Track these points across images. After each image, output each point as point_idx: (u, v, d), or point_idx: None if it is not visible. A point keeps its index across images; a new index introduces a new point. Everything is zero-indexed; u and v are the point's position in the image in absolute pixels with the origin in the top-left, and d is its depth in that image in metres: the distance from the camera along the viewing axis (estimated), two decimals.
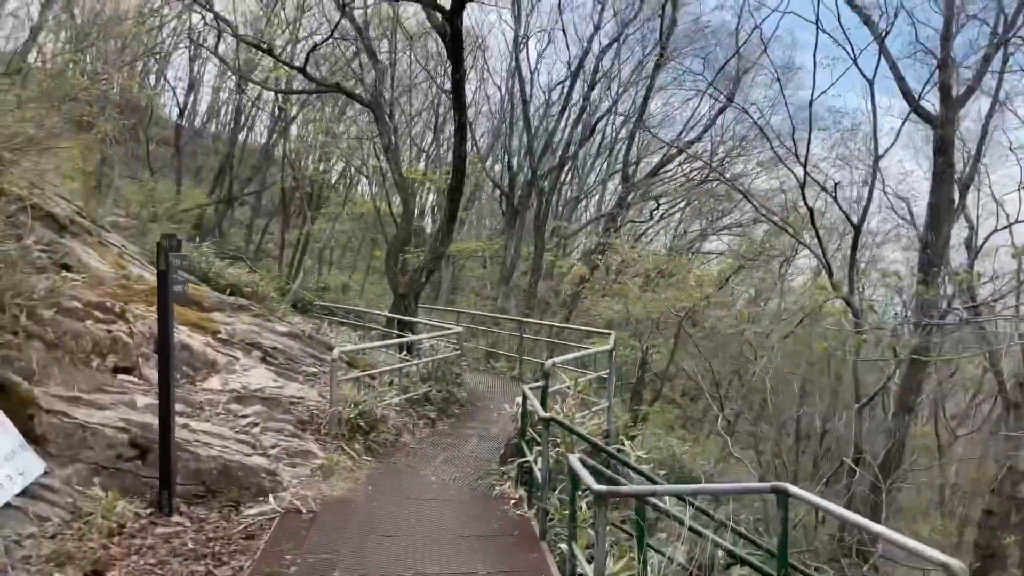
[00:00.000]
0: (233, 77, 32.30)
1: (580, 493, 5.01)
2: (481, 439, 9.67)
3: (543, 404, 7.44)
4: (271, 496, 6.66)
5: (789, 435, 22.29)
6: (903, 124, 17.48)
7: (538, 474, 6.56)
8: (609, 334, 12.38)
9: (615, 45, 22.47)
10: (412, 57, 23.24)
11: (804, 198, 13.35)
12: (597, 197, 34.54)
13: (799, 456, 20.29)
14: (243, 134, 35.60)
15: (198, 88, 40.00)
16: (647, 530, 4.50)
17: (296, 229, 35.11)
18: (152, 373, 8.18)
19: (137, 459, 6.38)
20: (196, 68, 33.85)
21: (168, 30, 33.65)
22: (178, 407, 7.59)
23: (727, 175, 25.95)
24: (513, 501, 7.17)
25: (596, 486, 4.13)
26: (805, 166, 13.35)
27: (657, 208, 24.86)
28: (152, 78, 37.71)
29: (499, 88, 27.45)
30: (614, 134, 28.01)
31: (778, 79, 14.70)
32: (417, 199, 34.86)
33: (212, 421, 7.67)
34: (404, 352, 11.66)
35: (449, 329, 12.18)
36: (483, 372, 15.47)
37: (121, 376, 7.87)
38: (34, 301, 6.76)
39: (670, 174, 25.16)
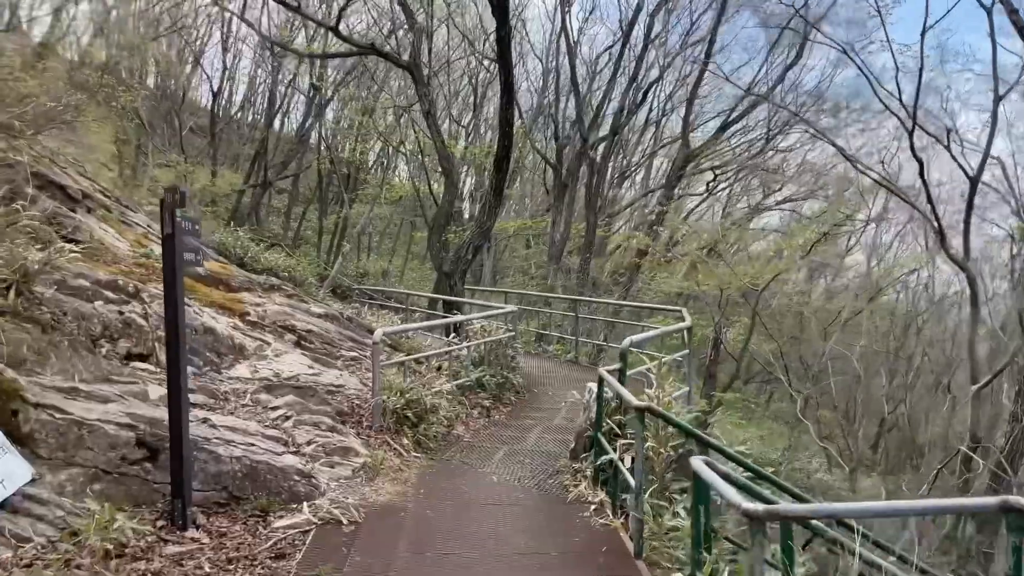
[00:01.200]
0: (267, 62, 31.48)
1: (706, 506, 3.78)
2: (545, 430, 8.49)
3: (622, 385, 6.23)
4: (305, 504, 5.56)
5: (861, 419, 20.74)
6: None
7: (628, 476, 5.36)
8: (677, 311, 11.10)
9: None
10: (451, 24, 22.01)
11: (912, 148, 11.81)
12: (642, 174, 33.07)
13: (880, 443, 18.77)
14: (278, 119, 34.73)
15: (234, 76, 39.42)
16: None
17: (334, 215, 34.34)
18: None
19: (146, 461, 5.32)
20: (230, 57, 33.08)
21: (202, 15, 33.06)
22: (199, 398, 6.56)
23: (780, 145, 24.32)
24: (593, 507, 5.97)
25: (750, 505, 2.92)
26: (915, 110, 11.79)
27: (714, 180, 23.34)
28: (188, 68, 37.25)
29: (540, 60, 26.13)
30: (661, 106, 26.51)
31: (878, 11, 12.93)
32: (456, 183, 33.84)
33: (237, 414, 6.60)
34: (452, 335, 10.53)
35: (500, 309, 11.03)
36: (535, 356, 14.29)
37: (135, 364, 6.85)
38: (26, 277, 5.73)
39: (734, 139, 23.46)
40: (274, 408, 6.80)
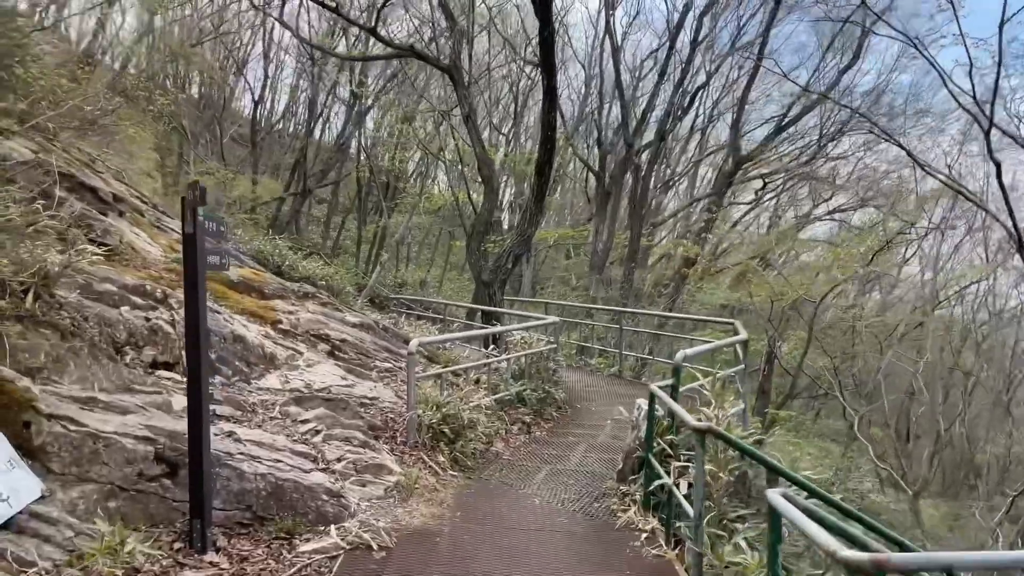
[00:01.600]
0: (308, 71, 31.58)
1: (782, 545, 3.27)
2: (589, 448, 7.99)
3: (675, 402, 5.73)
4: (333, 527, 5.15)
5: (916, 437, 19.78)
6: None
7: (684, 503, 4.85)
8: (729, 323, 10.53)
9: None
10: (492, 29, 21.71)
11: (989, 149, 11.01)
12: (685, 184, 32.35)
13: (934, 462, 17.84)
14: (318, 128, 34.82)
15: (276, 86, 39.74)
16: None
17: (373, 224, 34.28)
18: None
19: (164, 477, 4.97)
20: (272, 67, 33.28)
21: (245, 23, 33.36)
22: (225, 410, 6.21)
23: (832, 152, 23.42)
24: (645, 535, 5.47)
25: (850, 553, 2.43)
26: (992, 108, 11.01)
27: (763, 187, 22.57)
28: (231, 77, 37.67)
29: (583, 66, 25.67)
30: (707, 112, 25.84)
31: (950, 2, 12.02)
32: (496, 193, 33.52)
33: (265, 427, 6.24)
34: (491, 346, 10.10)
35: (541, 319, 10.57)
36: (577, 369, 13.79)
37: (160, 373, 6.54)
38: (46, 280, 5.44)
39: (782, 146, 22.61)
40: (304, 421, 6.43)
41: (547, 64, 12.15)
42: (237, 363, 7.23)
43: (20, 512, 4.16)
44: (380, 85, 31.45)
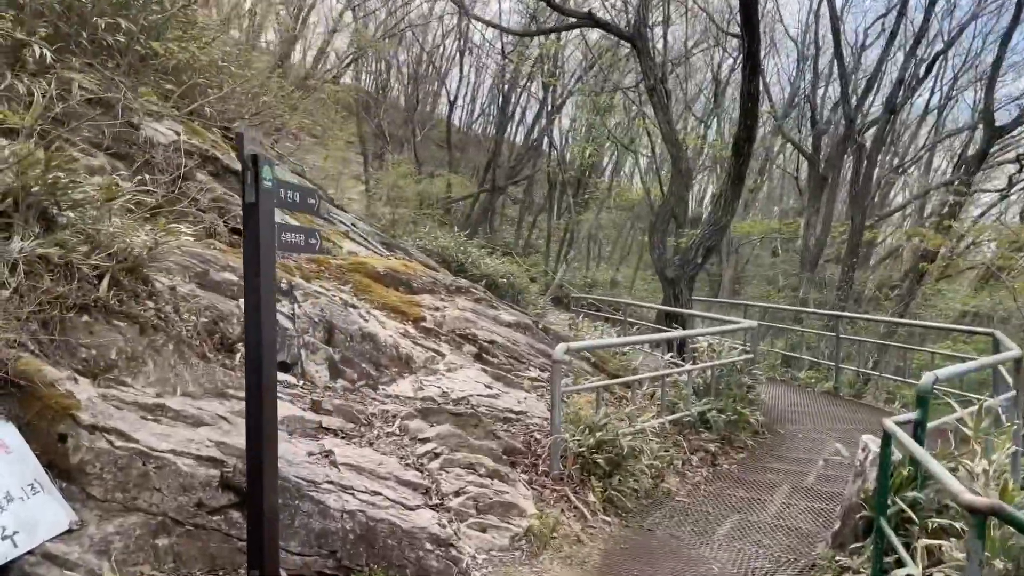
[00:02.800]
0: (501, 69, 31.25)
1: None
2: (793, 493, 6.16)
3: (920, 445, 3.90)
4: None
5: None
6: None
7: None
8: (987, 333, 8.15)
9: None
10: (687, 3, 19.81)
11: None
12: (916, 173, 28.20)
13: None
14: (511, 127, 34.46)
15: (475, 90, 40.15)
16: None
17: (563, 221, 33.40)
18: (320, 371, 5.91)
19: (232, 509, 3.99)
20: (466, 67, 33.41)
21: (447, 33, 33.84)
22: (333, 422, 5.19)
23: None
24: None
25: None
26: None
27: (1020, 170, 18.65)
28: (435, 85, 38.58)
29: (795, 43, 22.89)
30: (946, 88, 22.11)
31: None
32: (691, 189, 31.23)
33: (377, 446, 5.15)
34: (671, 354, 8.48)
35: (735, 324, 8.77)
36: (780, 383, 11.72)
37: None
38: (130, 263, 4.68)
39: None
40: (423, 440, 5.27)
41: (749, 24, 10.29)
42: (364, 365, 6.25)
43: (30, 551, 3.30)
44: (571, 83, 30.52)
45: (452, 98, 32.53)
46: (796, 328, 13.72)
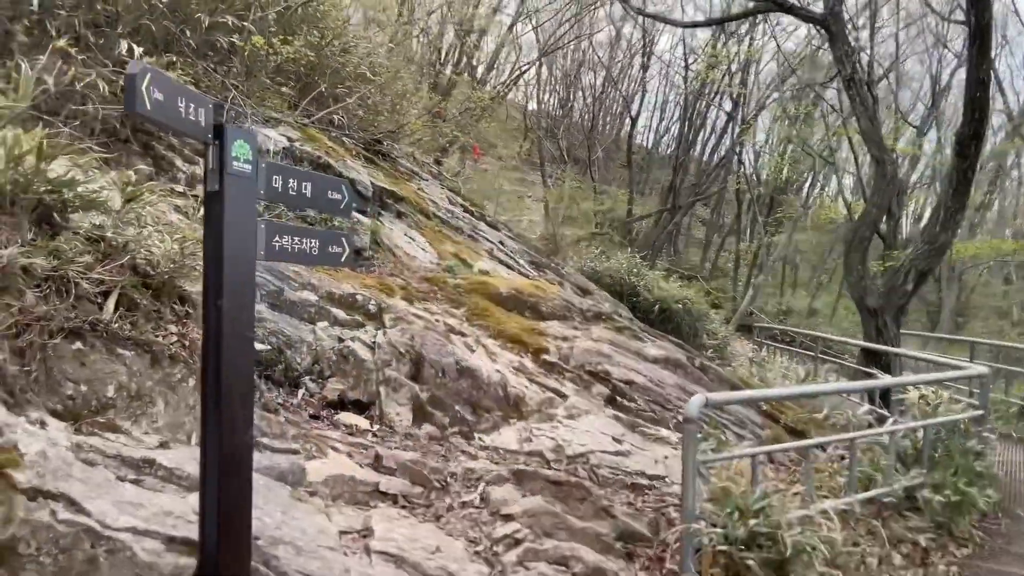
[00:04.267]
0: (687, 80, 29.48)
1: None
2: None
3: None
4: None
5: None
6: None
7: None
8: None
9: None
10: None
11: None
12: None
13: None
14: (697, 143, 32.45)
15: (663, 110, 38.66)
16: None
17: (753, 243, 30.85)
18: (401, 414, 4.86)
19: None
20: (650, 84, 31.96)
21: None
22: (394, 485, 4.09)
23: None
24: None
25: None
26: None
27: None
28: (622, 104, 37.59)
29: None
30: None
31: None
32: (906, 203, 27.50)
33: (446, 521, 3.95)
34: (867, 407, 6.58)
35: (958, 368, 6.70)
36: (1018, 444, 9.18)
37: (342, 416, 4.69)
38: (156, 276, 3.87)
39: None
40: (506, 517, 3.99)
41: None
42: (458, 408, 5.10)
43: None
44: (766, 89, 28.15)
45: (634, 115, 31.07)
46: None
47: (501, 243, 10.86)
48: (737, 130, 28.86)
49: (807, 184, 30.96)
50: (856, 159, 18.41)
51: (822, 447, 5.78)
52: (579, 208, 24.17)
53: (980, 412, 6.42)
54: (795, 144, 23.15)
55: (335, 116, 8.35)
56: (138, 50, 5.45)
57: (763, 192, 29.26)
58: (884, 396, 8.75)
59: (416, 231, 7.99)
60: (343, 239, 3.24)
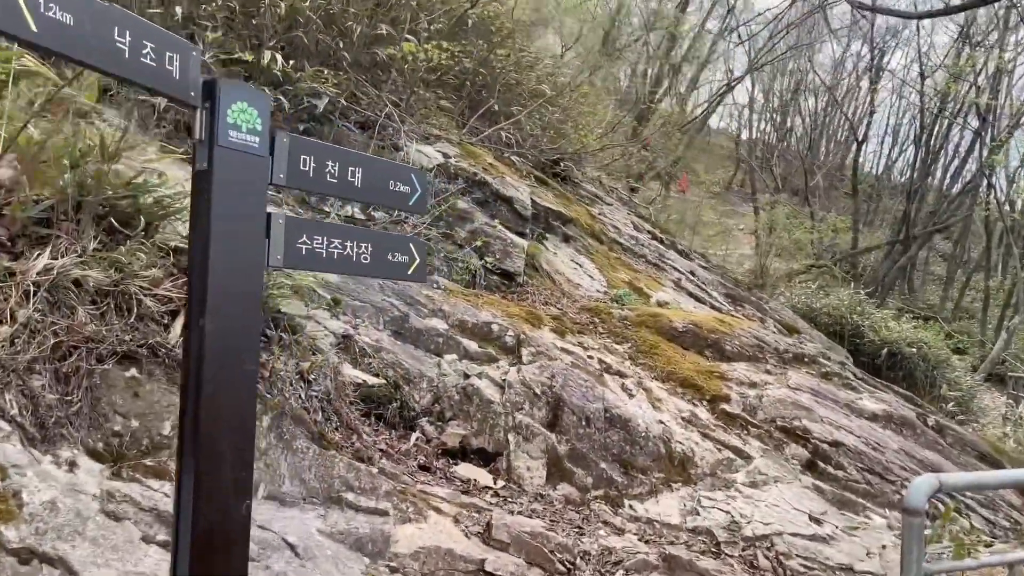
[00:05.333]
0: (920, 95, 26.28)
1: None
2: None
3: None
4: None
5: None
6: None
7: None
8: None
9: None
10: None
11: None
12: None
13: None
14: (936, 167, 28.76)
15: (896, 133, 35.22)
16: None
17: (1007, 278, 26.66)
18: (533, 469, 4.02)
19: None
20: (880, 104, 28.91)
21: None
22: (504, 565, 3.23)
23: None
24: None
25: None
26: None
27: None
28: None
29: None
30: None
31: None
32: None
33: None
34: None
35: None
36: None
37: (460, 467, 3.93)
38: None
39: None
40: None
41: None
42: (605, 465, 4.13)
43: None
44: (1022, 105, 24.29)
45: (861, 138, 28.17)
46: None
47: (692, 273, 9.72)
48: (986, 151, 25.09)
49: None
50: None
51: None
52: (792, 239, 22.06)
53: None
54: None
55: (504, 134, 7.76)
56: (280, 58, 5.16)
57: (1019, 220, 25.13)
58: None
59: (585, 256, 7.15)
60: (411, 245, 2.46)
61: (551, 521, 3.64)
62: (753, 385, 5.26)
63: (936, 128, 27.01)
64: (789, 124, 32.83)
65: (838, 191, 34.96)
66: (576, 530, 3.63)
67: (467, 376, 4.23)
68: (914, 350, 12.22)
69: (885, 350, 12.06)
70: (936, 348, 12.88)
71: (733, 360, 5.66)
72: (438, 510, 3.44)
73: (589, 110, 11.12)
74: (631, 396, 4.71)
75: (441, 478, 3.77)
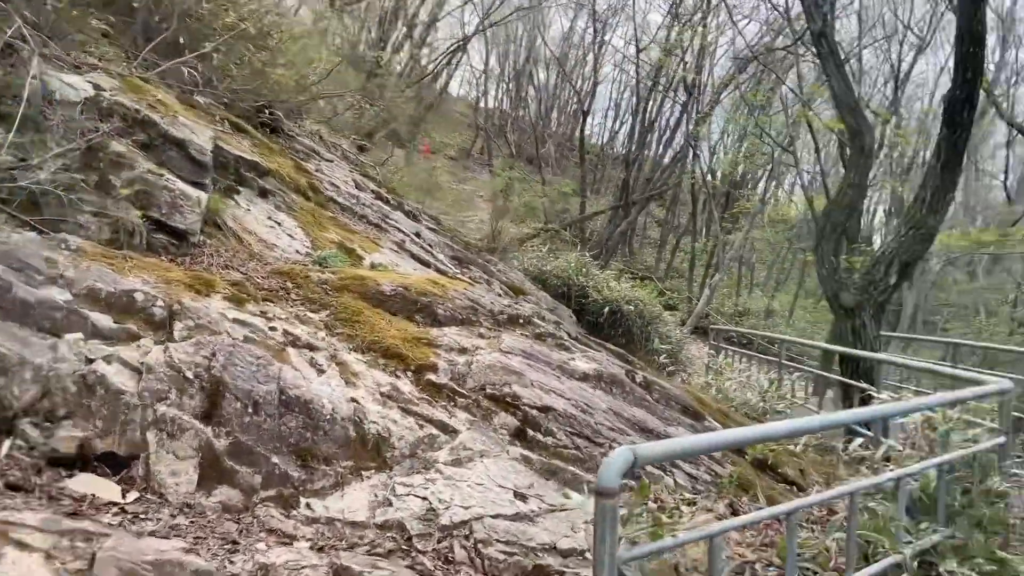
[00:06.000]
0: (635, 67, 28.14)
1: None
2: None
3: None
4: None
5: None
6: None
7: None
8: None
9: None
10: None
11: None
12: None
13: None
14: (650, 137, 31.10)
15: (619, 109, 37.49)
16: None
17: (709, 241, 29.68)
18: (181, 472, 3.13)
19: None
20: (603, 77, 30.55)
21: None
22: None
23: None
24: None
25: None
26: None
27: None
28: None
29: None
30: None
31: None
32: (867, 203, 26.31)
33: None
34: (845, 438, 4.99)
35: (975, 382, 5.21)
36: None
37: (77, 479, 2.98)
38: None
39: None
40: None
41: None
42: (277, 459, 3.39)
43: None
44: (723, 81, 26.90)
45: (585, 108, 29.59)
46: None
47: (417, 235, 9.19)
48: (692, 123, 27.58)
49: (763, 179, 29.83)
50: (817, 147, 17.09)
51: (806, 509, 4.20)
52: (524, 202, 22.57)
53: (1003, 439, 4.92)
54: (753, 133, 21.89)
55: (187, 70, 6.57)
56: None
57: (719, 188, 28.03)
58: (863, 405, 7.32)
59: (286, 214, 6.27)
60: None
61: (195, 539, 2.84)
62: (464, 351, 4.80)
63: (651, 101, 29.15)
64: (523, 94, 33.69)
65: (569, 160, 36.76)
66: (228, 547, 2.87)
67: (90, 361, 3.25)
68: (632, 308, 12.83)
69: (607, 308, 12.51)
70: (650, 305, 13.64)
71: (445, 325, 5.17)
72: (22, 545, 2.50)
73: (307, 57, 10.12)
74: (320, 372, 4.01)
75: (40, 498, 2.81)
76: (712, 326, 17.41)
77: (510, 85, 35.34)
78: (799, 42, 13.23)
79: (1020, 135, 15.75)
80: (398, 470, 3.72)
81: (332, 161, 10.05)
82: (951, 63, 7.97)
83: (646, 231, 38.24)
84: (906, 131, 18.29)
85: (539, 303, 9.00)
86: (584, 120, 30.00)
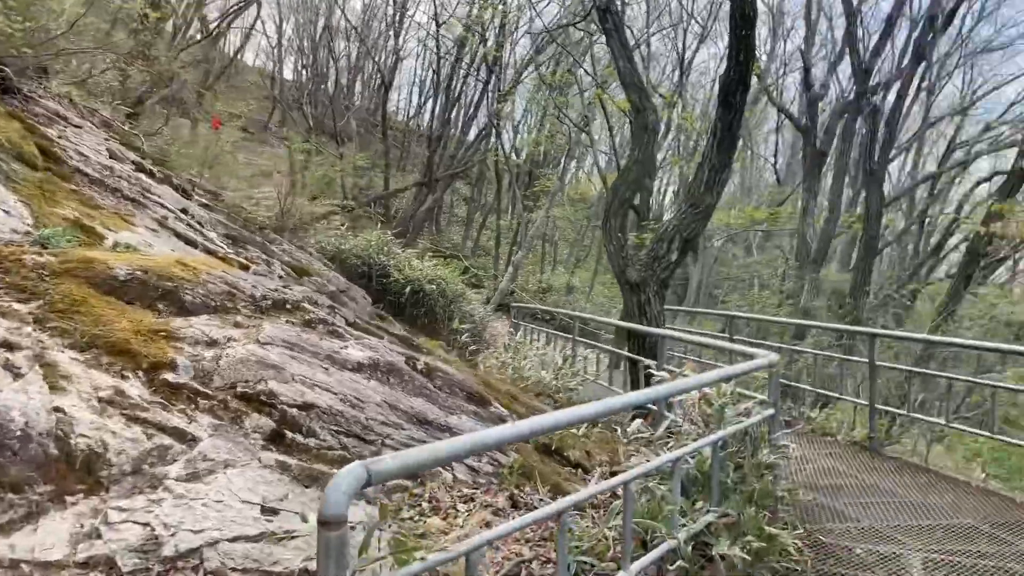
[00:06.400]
0: (438, 47, 27.70)
1: None
2: None
3: None
4: None
5: None
6: None
7: None
8: None
9: None
10: None
11: None
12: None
13: None
14: (454, 115, 30.86)
15: (424, 86, 36.79)
16: None
17: (514, 219, 30.11)
18: None
19: None
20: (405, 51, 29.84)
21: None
22: None
23: None
24: None
25: None
26: None
27: None
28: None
29: None
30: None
31: None
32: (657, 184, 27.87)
33: None
34: (630, 419, 4.96)
35: (748, 355, 5.38)
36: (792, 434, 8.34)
37: None
38: None
39: None
40: None
41: None
42: None
43: None
44: (524, 64, 27.17)
45: (387, 81, 28.76)
46: (798, 348, 10.39)
47: (185, 211, 8.25)
48: (494, 102, 27.68)
49: (563, 158, 30.62)
50: (611, 131, 17.62)
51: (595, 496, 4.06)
52: (321, 178, 21.53)
53: (771, 411, 5.09)
54: (552, 114, 22.26)
55: None
56: None
57: (522, 167, 28.41)
58: (647, 380, 7.49)
59: (3, 185, 5.24)
60: None
61: None
62: (213, 344, 4.18)
63: (455, 79, 28.89)
64: (323, 67, 32.19)
65: (373, 136, 35.75)
66: None
67: None
68: (434, 287, 12.54)
69: (408, 288, 12.13)
70: (453, 284, 13.43)
71: (194, 314, 4.50)
72: None
73: (47, 6, 8.76)
74: (17, 377, 3.26)
75: None
76: (513, 304, 17.53)
77: (307, 56, 33.65)
78: (587, 19, 13.38)
79: (788, 120, 17.10)
80: (115, 491, 3.10)
81: (82, 128, 8.79)
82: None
83: (453, 209, 38.19)
84: (691, 115, 19.33)
85: (325, 284, 8.41)
86: (386, 95, 29.17)
